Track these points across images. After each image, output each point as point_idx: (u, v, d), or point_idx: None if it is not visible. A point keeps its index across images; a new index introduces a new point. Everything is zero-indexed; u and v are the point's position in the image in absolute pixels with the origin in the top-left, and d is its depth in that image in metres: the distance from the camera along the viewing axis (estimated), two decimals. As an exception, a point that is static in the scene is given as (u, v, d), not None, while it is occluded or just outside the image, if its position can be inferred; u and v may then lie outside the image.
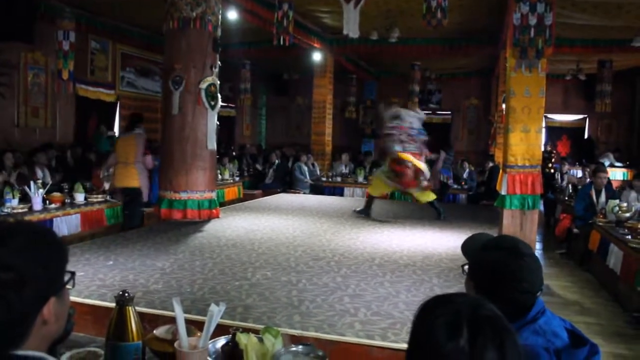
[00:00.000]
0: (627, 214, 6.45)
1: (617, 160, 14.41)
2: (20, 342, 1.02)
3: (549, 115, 15.86)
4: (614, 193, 7.40)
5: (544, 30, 5.71)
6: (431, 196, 7.84)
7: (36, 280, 1.02)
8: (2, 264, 0.98)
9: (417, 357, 1.03)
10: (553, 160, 13.55)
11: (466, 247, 1.80)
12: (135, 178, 7.06)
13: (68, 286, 1.14)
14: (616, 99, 13.80)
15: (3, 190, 6.30)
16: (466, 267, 1.70)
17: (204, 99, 6.78)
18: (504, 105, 8.19)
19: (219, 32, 7.06)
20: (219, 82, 7.07)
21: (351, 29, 7.09)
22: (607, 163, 12.37)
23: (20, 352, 1.01)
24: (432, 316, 1.00)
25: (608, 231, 6.22)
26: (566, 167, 11.06)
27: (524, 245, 1.62)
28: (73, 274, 1.16)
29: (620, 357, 4.32)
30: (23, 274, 1.00)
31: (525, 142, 5.85)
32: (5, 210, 5.96)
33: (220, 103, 7.08)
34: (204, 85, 6.78)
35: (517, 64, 5.81)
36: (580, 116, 16.67)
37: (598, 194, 7.31)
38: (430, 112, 17.86)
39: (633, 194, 7.18)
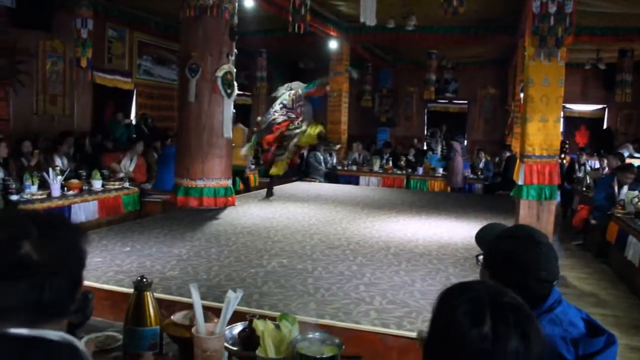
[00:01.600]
0: (647, 206, 6.37)
1: (637, 151, 14.20)
2: (70, 310, 1.13)
3: (567, 105, 15.63)
4: (636, 185, 7.28)
5: (564, 18, 5.62)
6: (279, 171, 8.02)
7: (82, 256, 1.14)
8: (62, 243, 1.09)
9: (438, 345, 1.02)
10: (566, 150, 13.35)
11: (480, 236, 1.79)
12: (242, 158, 9.14)
13: None
14: (637, 89, 13.56)
15: (22, 176, 6.39)
16: (480, 257, 1.70)
17: (221, 87, 6.79)
18: (522, 95, 8.10)
19: (235, 20, 7.06)
20: (235, 70, 7.07)
21: (368, 16, 7.04)
22: (626, 154, 12.14)
23: (51, 335, 1.04)
24: (454, 303, 1.00)
25: (627, 222, 6.15)
26: (584, 157, 10.92)
27: (540, 234, 1.60)
28: None
29: (637, 350, 4.29)
30: (78, 246, 1.12)
31: (543, 132, 5.78)
32: (25, 196, 6.05)
33: (236, 91, 7.10)
34: (220, 73, 6.79)
35: (536, 52, 5.73)
36: (600, 106, 16.41)
37: (620, 186, 7.21)
38: (446, 101, 17.76)
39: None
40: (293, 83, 8.13)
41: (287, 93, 7.88)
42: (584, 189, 8.90)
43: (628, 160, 9.44)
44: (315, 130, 7.67)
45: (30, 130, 9.40)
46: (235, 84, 7.08)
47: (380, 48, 15.33)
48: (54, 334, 1.04)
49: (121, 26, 11.70)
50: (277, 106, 7.80)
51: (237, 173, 9.29)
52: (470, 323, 0.95)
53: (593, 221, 7.37)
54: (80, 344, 1.10)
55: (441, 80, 16.97)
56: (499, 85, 16.74)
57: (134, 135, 11.49)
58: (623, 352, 4.12)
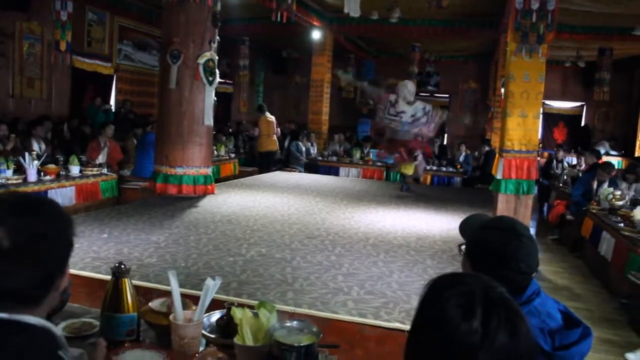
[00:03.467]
0: (621, 202, 6.49)
1: (612, 149, 14.45)
2: (42, 301, 1.11)
3: (547, 102, 15.83)
4: (614, 183, 7.40)
5: (546, 15, 5.68)
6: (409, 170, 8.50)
7: (62, 244, 1.13)
8: (38, 230, 1.08)
9: (424, 336, 1.01)
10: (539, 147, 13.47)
11: (464, 226, 1.80)
12: (274, 144, 11.35)
13: None
14: (614, 88, 13.77)
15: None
16: (463, 246, 1.71)
17: (202, 74, 6.72)
18: (502, 90, 8.17)
19: (218, 7, 6.98)
20: (217, 58, 7.01)
21: (352, 7, 7.03)
22: (602, 151, 12.37)
23: (26, 319, 1.04)
24: (446, 296, 0.99)
25: (601, 218, 6.25)
26: (561, 153, 11.05)
27: (522, 226, 1.62)
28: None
29: (608, 343, 4.38)
30: (54, 237, 1.11)
31: (522, 127, 5.85)
32: (0, 181, 5.94)
33: (218, 79, 7.04)
34: (202, 60, 6.72)
35: (518, 48, 5.79)
36: (578, 104, 16.66)
37: (599, 183, 7.33)
38: (428, 94, 17.84)
39: (624, 185, 7.20)
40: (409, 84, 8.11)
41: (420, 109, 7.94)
42: (561, 184, 9.02)
43: (604, 158, 9.59)
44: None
45: (6, 113, 9.23)
46: (217, 71, 7.02)
47: (363, 39, 15.32)
48: (32, 319, 1.05)
49: (101, 10, 11.52)
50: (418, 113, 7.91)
51: (269, 156, 11.32)
52: (461, 317, 0.95)
53: (569, 216, 7.48)
54: (58, 330, 1.09)
55: (423, 74, 17.03)
56: (480, 80, 16.88)
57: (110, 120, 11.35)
58: (594, 344, 4.16)
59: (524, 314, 1.00)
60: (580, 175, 8.45)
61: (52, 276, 1.12)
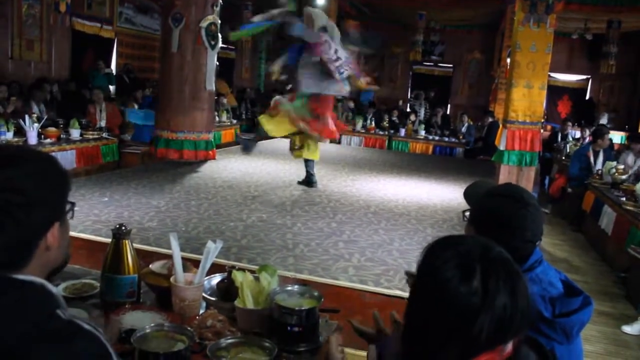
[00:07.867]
0: (623, 176, 6.46)
1: (610, 122, 14.32)
2: (24, 264, 1.02)
3: (552, 75, 15.61)
4: (610, 155, 7.37)
5: (555, -16, 5.59)
6: (316, 155, 5.96)
7: (43, 204, 1.03)
8: (13, 185, 0.99)
9: (424, 298, 1.00)
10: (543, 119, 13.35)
11: (469, 192, 1.78)
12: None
13: (68, 216, 1.15)
14: (621, 61, 13.59)
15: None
16: (467, 213, 1.69)
17: (204, 38, 6.64)
18: (508, 60, 8.07)
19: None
20: (219, 22, 6.91)
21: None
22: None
23: (22, 277, 1.00)
24: (444, 257, 0.97)
25: (603, 192, 6.24)
26: (568, 127, 10.96)
27: (529, 194, 1.60)
28: (73, 204, 1.16)
29: (605, 315, 4.41)
30: (32, 196, 1.01)
31: (527, 98, 5.80)
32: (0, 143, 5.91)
33: (220, 43, 6.95)
34: (204, 24, 6.63)
35: (526, 18, 5.70)
36: (584, 77, 16.47)
37: (596, 154, 7.29)
38: (432, 64, 17.63)
39: (630, 157, 7.15)
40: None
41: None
42: (564, 158, 8.97)
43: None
44: None
45: (6, 75, 9.13)
46: (220, 35, 6.92)
47: (368, 6, 15.07)
48: (23, 276, 1.00)
49: (102, -29, 11.30)
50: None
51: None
52: (460, 277, 0.93)
53: (569, 189, 7.46)
54: (55, 289, 1.06)
55: (428, 42, 16.79)
56: (485, 50, 16.64)
57: (112, 85, 11.24)
58: (591, 316, 4.22)
59: (522, 273, 0.99)
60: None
61: (33, 237, 1.03)
